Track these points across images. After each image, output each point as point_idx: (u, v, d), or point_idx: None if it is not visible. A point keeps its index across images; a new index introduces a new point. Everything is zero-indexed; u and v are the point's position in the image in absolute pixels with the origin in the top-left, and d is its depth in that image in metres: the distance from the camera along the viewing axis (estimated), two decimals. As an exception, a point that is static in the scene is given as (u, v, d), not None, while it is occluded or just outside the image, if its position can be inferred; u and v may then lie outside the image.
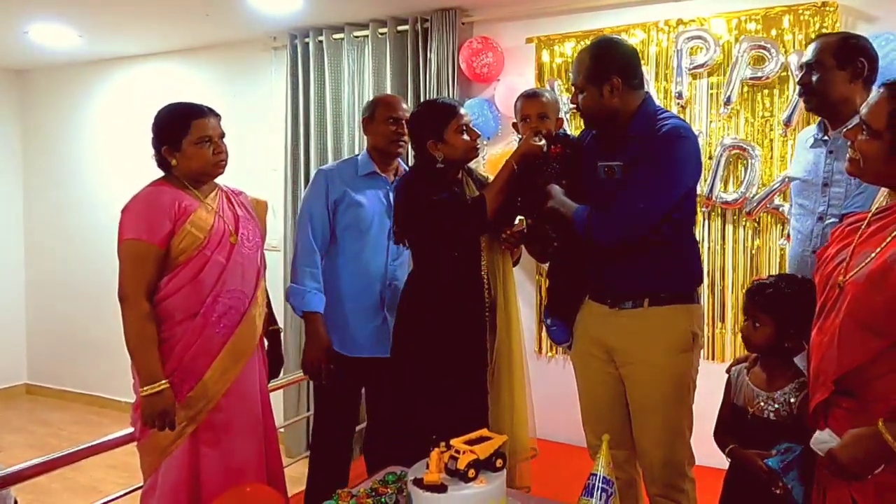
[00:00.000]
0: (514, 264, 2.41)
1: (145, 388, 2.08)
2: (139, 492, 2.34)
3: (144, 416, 2.10)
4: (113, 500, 2.64)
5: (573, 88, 2.11)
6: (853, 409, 1.48)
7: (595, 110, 2.05)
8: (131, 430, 2.44)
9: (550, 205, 2.08)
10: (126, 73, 5.05)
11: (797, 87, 2.80)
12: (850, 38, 2.09)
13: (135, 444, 2.29)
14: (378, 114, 2.60)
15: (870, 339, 1.41)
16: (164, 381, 2.09)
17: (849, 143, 1.55)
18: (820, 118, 2.17)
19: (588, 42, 3.35)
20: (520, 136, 2.25)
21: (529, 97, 2.27)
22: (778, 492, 1.74)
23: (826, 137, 2.10)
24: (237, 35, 4.35)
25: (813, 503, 1.65)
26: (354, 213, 2.55)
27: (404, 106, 2.64)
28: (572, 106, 2.20)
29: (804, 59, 2.11)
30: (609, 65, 2.01)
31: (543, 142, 2.17)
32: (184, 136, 2.16)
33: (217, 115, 2.26)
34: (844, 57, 2.02)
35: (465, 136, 2.24)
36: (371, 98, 2.80)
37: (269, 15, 3.82)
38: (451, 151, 2.24)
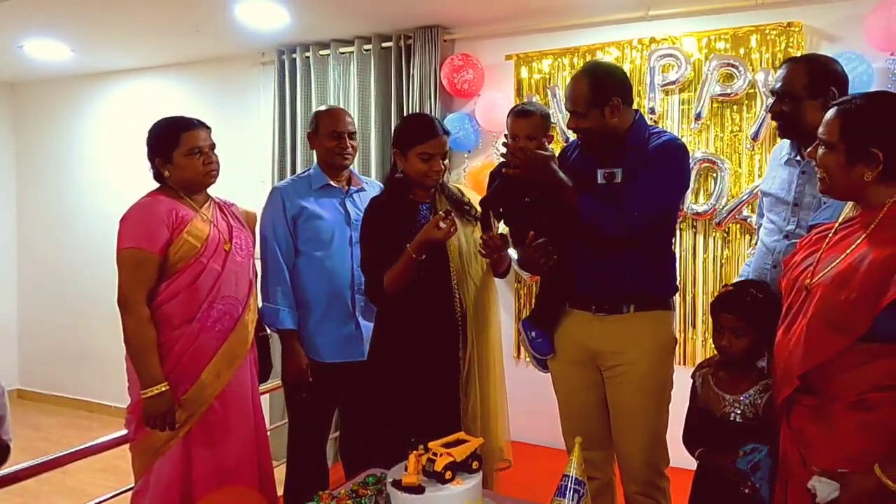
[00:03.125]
0: (503, 275, 2.39)
1: (146, 391, 2.13)
2: (125, 494, 2.38)
3: (146, 418, 2.14)
4: (100, 502, 2.66)
5: (571, 114, 2.11)
6: (813, 406, 1.56)
7: (598, 131, 2.09)
8: (120, 433, 2.49)
9: (560, 177, 2.06)
10: (118, 87, 5.11)
11: (768, 113, 2.87)
12: (820, 67, 2.04)
13: (123, 447, 2.32)
14: (321, 127, 2.59)
15: (835, 336, 1.49)
16: (164, 384, 2.14)
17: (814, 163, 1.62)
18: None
19: (566, 60, 3.52)
20: (496, 149, 2.28)
21: (516, 116, 2.20)
22: (747, 491, 1.82)
23: (799, 158, 2.09)
24: (227, 50, 4.42)
25: (777, 498, 1.72)
26: (314, 225, 2.58)
27: (348, 119, 2.63)
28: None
29: (775, 87, 2.08)
30: (609, 87, 2.06)
31: (444, 227, 2.13)
32: (174, 148, 2.22)
33: (207, 128, 2.32)
34: (816, 87, 1.99)
35: (422, 165, 2.21)
36: (316, 110, 2.76)
37: (257, 31, 3.88)
38: (406, 168, 2.25)
